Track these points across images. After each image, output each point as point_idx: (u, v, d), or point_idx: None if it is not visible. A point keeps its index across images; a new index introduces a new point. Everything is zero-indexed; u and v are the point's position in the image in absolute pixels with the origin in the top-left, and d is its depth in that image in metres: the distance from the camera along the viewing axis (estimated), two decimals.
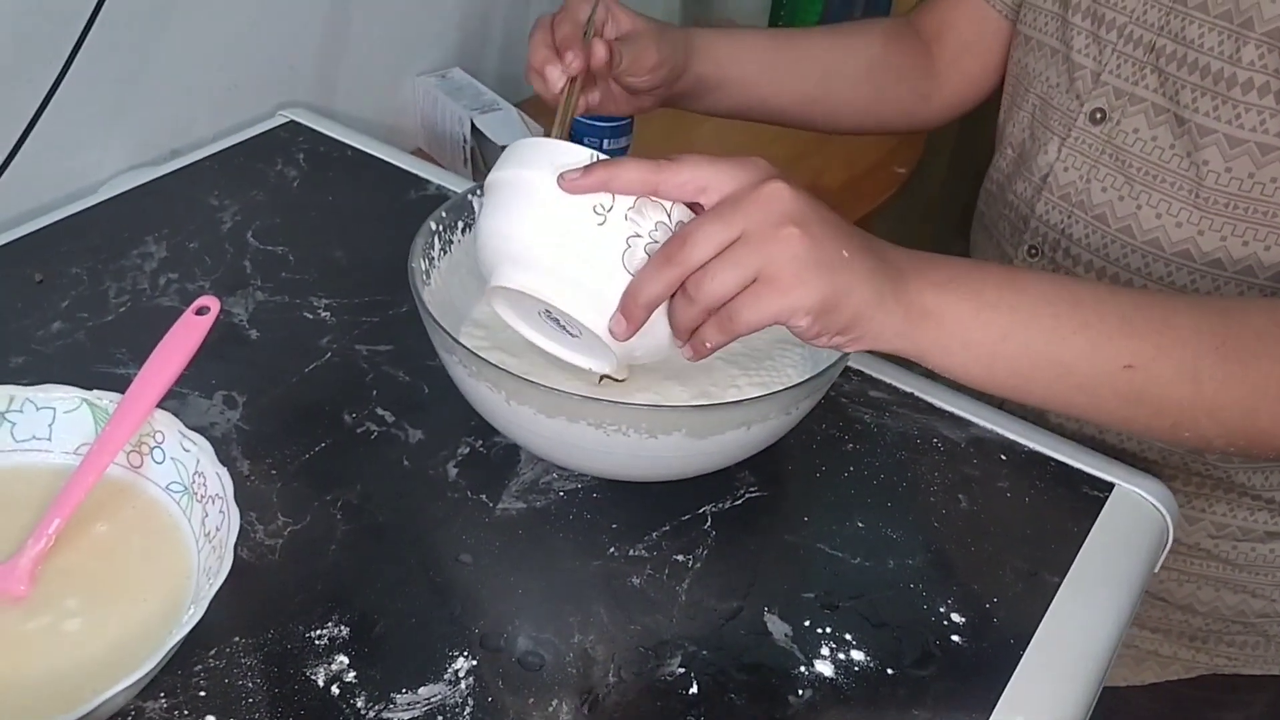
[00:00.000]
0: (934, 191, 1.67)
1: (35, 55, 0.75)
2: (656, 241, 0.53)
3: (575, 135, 1.07)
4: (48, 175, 0.82)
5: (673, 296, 0.53)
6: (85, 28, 0.63)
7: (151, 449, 0.56)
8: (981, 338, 0.56)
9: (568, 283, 0.54)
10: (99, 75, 0.81)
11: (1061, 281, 0.60)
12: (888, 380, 0.71)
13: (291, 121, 0.92)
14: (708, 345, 0.54)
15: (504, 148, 1.00)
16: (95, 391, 0.57)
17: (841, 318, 0.53)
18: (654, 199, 0.53)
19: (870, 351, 0.63)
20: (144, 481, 0.56)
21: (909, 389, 0.71)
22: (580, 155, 0.54)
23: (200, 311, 0.58)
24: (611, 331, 0.54)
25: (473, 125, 1.02)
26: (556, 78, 0.69)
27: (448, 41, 1.11)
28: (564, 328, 0.58)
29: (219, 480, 0.53)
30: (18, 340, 0.69)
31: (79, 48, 0.62)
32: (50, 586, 0.52)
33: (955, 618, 0.58)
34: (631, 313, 0.53)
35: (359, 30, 1.01)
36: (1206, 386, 0.56)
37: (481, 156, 1.04)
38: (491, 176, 0.57)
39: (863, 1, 1.47)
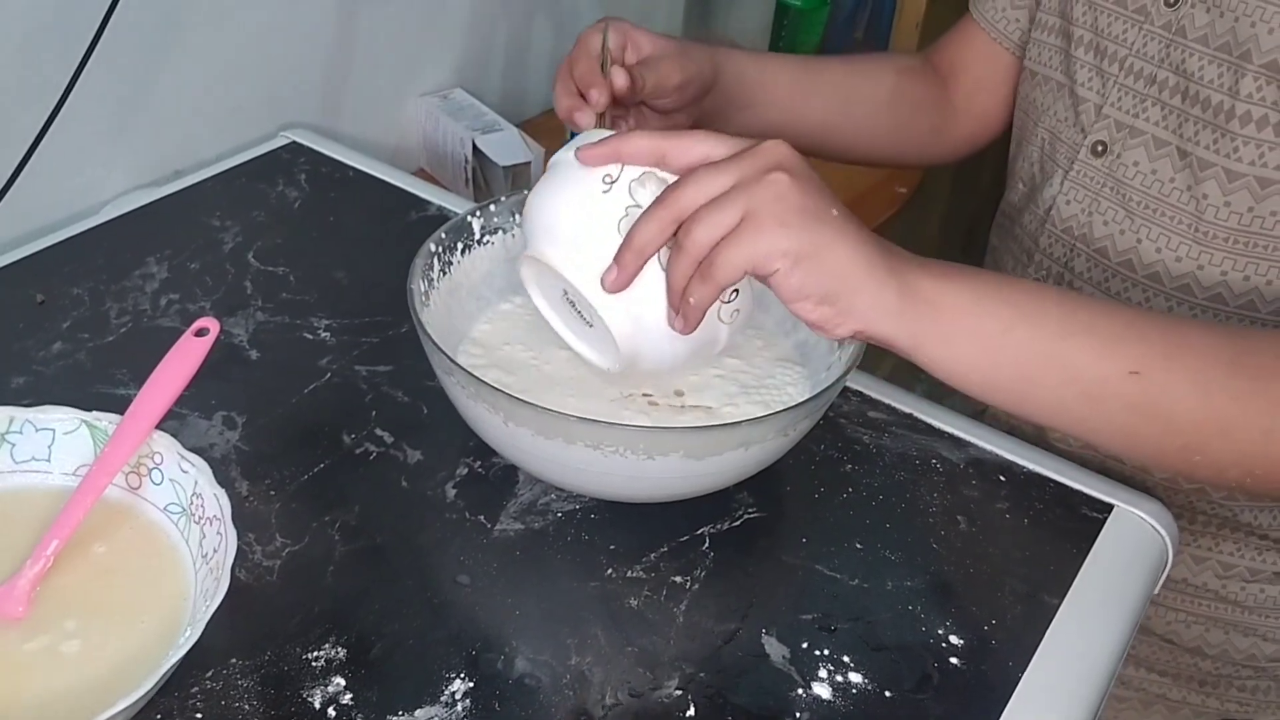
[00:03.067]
0: (940, 211, 1.67)
1: (39, 76, 0.76)
2: None
3: None
4: (50, 196, 0.83)
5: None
6: (89, 48, 0.64)
7: (150, 470, 0.56)
8: (984, 328, 0.54)
9: (572, 249, 0.56)
10: (102, 96, 0.82)
11: (1064, 289, 0.60)
12: (887, 401, 0.71)
13: (293, 142, 0.93)
14: (691, 301, 0.53)
15: (505, 168, 1.01)
16: (94, 413, 0.57)
17: (822, 276, 0.52)
18: (659, 174, 0.55)
19: (863, 368, 0.64)
20: (142, 503, 0.56)
21: (908, 409, 0.71)
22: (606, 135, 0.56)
23: (200, 333, 0.58)
24: (603, 282, 0.55)
25: (474, 146, 1.03)
26: (587, 121, 0.69)
27: (449, 62, 1.12)
28: (580, 314, 0.59)
29: (217, 502, 0.53)
30: (19, 361, 0.69)
31: (82, 68, 0.63)
32: (48, 608, 0.52)
33: (954, 640, 0.57)
34: (624, 260, 0.54)
35: (361, 51, 1.02)
36: (1218, 399, 0.54)
37: (483, 177, 1.04)
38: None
39: (864, 22, 1.47)
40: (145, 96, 0.86)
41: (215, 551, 0.52)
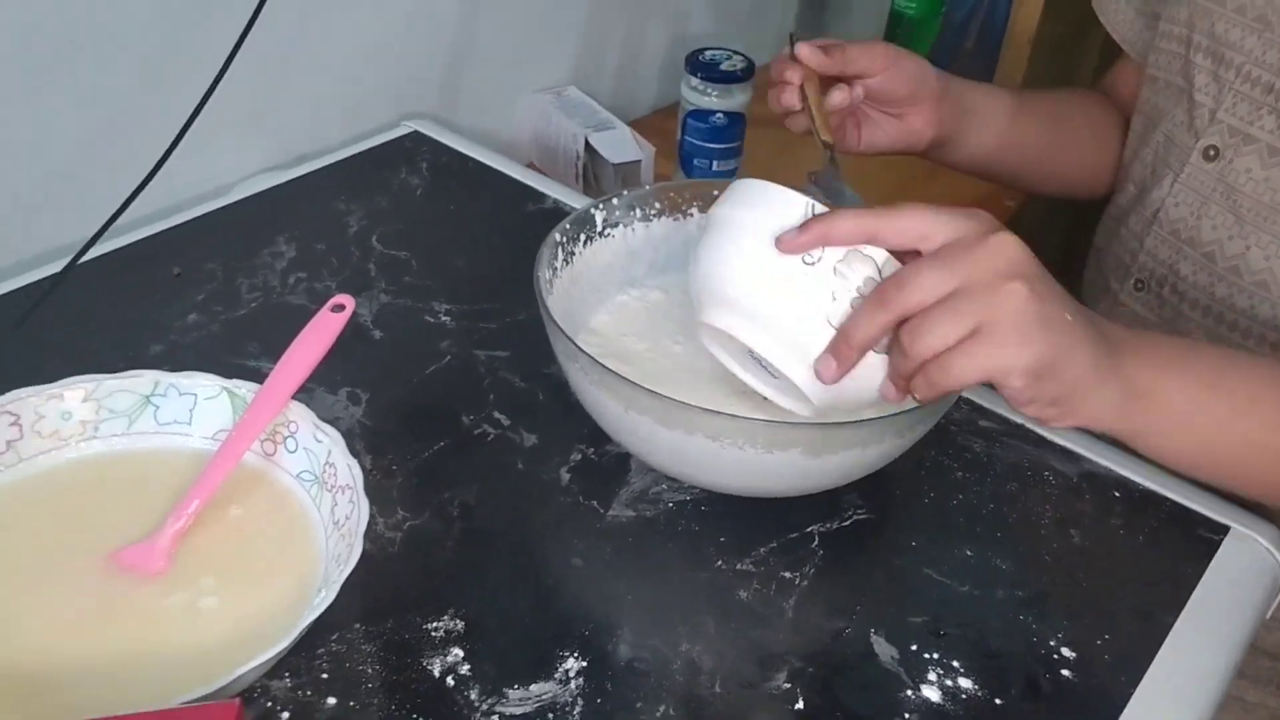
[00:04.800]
0: (1041, 223, 1.65)
1: (189, 59, 0.79)
2: (863, 296, 0.52)
3: (685, 156, 1.09)
4: (186, 175, 0.86)
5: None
6: (240, 38, 0.67)
7: (285, 438, 0.58)
8: (1201, 423, 0.55)
9: (771, 331, 0.54)
10: (239, 83, 0.85)
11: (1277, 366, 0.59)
12: (999, 410, 0.71)
13: (415, 132, 0.95)
14: (916, 397, 0.52)
15: (616, 165, 1.03)
16: (235, 380, 0.59)
17: (1056, 385, 0.51)
18: (865, 253, 0.52)
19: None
20: (276, 469, 0.58)
21: (1019, 420, 0.71)
22: (796, 204, 0.54)
23: (336, 309, 0.60)
24: (818, 372, 0.53)
25: (586, 142, 1.04)
26: (790, 98, 0.74)
27: (564, 60, 1.14)
28: (765, 367, 0.57)
29: (349, 471, 0.55)
30: (156, 329, 0.72)
31: (233, 57, 0.66)
32: (187, 565, 0.54)
33: (1065, 652, 0.57)
34: (842, 354, 0.52)
35: (482, 46, 1.04)
36: None
37: (593, 173, 1.06)
38: (714, 211, 0.58)
39: (974, 34, 1.46)
40: (278, 84, 0.89)
41: (347, 519, 0.54)
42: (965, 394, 0.72)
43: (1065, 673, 0.56)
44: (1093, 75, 1.63)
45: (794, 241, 0.52)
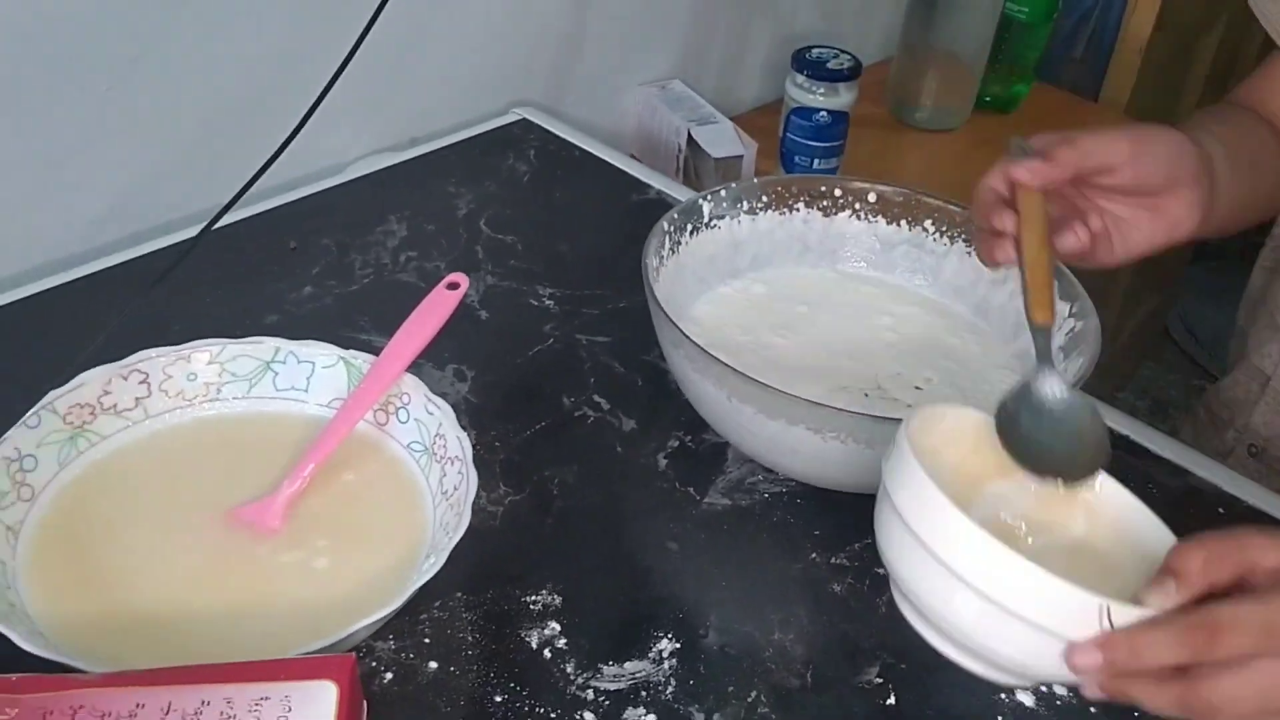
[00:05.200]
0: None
1: (313, 45, 0.82)
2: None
3: (786, 153, 1.09)
4: (303, 153, 0.88)
5: None
6: (369, 23, 0.69)
7: (397, 409, 0.60)
8: None
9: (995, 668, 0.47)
10: (359, 66, 0.87)
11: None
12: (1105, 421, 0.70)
13: (524, 119, 0.97)
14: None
15: (717, 160, 1.03)
16: (352, 351, 0.61)
17: None
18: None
19: (1086, 388, 0.63)
20: (388, 439, 0.60)
21: (1124, 431, 0.70)
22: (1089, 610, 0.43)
23: (451, 286, 0.61)
24: (1073, 666, 0.44)
25: (689, 136, 1.05)
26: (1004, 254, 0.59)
27: (670, 54, 1.15)
28: None
29: (459, 444, 0.56)
30: (273, 300, 0.75)
31: (360, 42, 0.68)
32: (302, 525, 0.56)
33: None
34: (1110, 681, 0.43)
35: (591, 38, 1.06)
36: None
37: (694, 167, 1.07)
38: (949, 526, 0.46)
39: (1084, 41, 1.44)
40: (395, 69, 0.91)
41: (455, 489, 0.55)
42: None
43: None
44: (1203, 85, 1.60)
45: (1085, 658, 0.43)
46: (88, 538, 0.55)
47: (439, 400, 0.59)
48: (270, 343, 0.62)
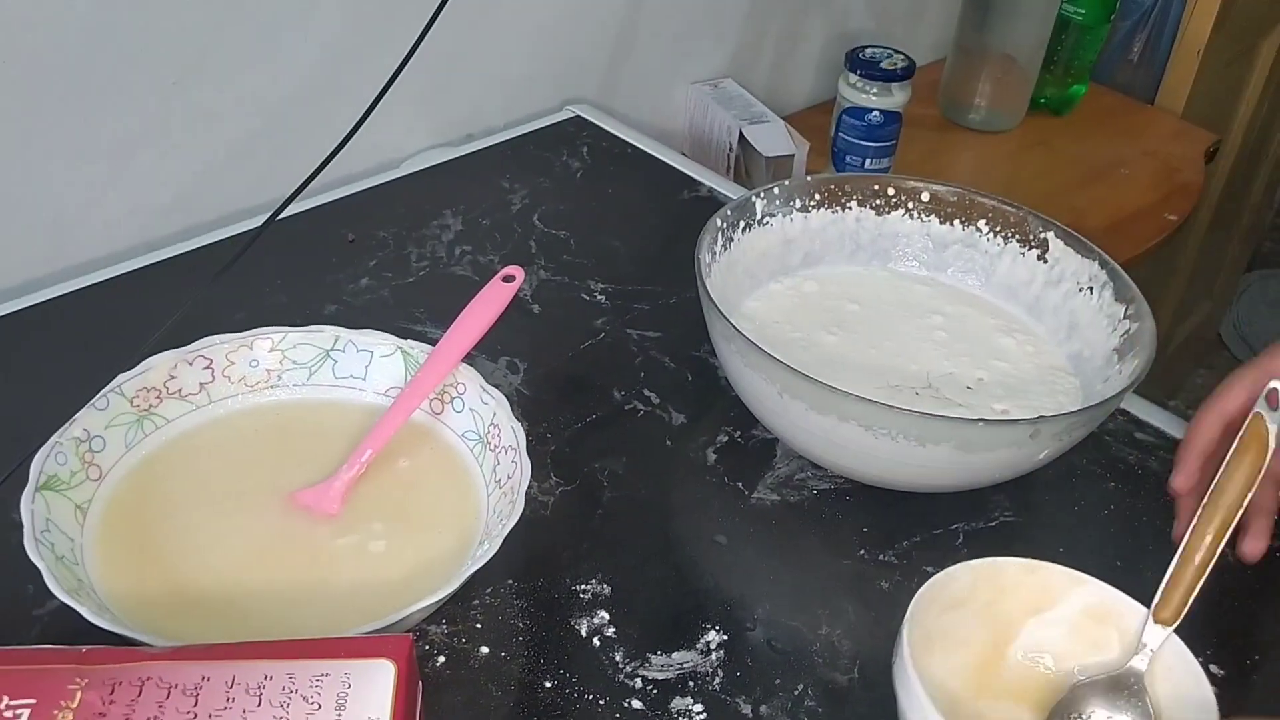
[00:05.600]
0: (1197, 243, 1.60)
1: (372, 41, 0.84)
2: None
3: (837, 152, 1.09)
4: (361, 148, 0.90)
5: None
6: (429, 22, 0.70)
7: (453, 399, 0.61)
8: None
9: None
10: (417, 63, 0.89)
11: None
12: (1155, 424, 0.70)
13: (577, 116, 0.98)
14: None
15: (769, 159, 1.04)
16: (409, 341, 0.63)
17: None
18: None
19: (1139, 393, 0.62)
20: (442, 427, 0.61)
21: (1177, 435, 0.69)
22: None
23: (506, 279, 0.62)
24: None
25: (741, 135, 1.06)
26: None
27: (722, 53, 1.15)
28: None
29: (513, 433, 0.57)
30: (330, 291, 0.76)
31: (421, 40, 0.69)
32: (359, 510, 0.58)
33: (1214, 669, 0.56)
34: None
35: (643, 36, 1.06)
36: None
37: (745, 166, 1.07)
38: None
39: (1142, 42, 1.42)
40: (451, 66, 0.93)
41: (509, 478, 0.56)
42: (1123, 404, 0.70)
43: (1214, 689, 0.55)
44: (1264, 88, 1.57)
45: None
46: (152, 517, 0.56)
47: (494, 390, 0.60)
48: (330, 331, 0.63)
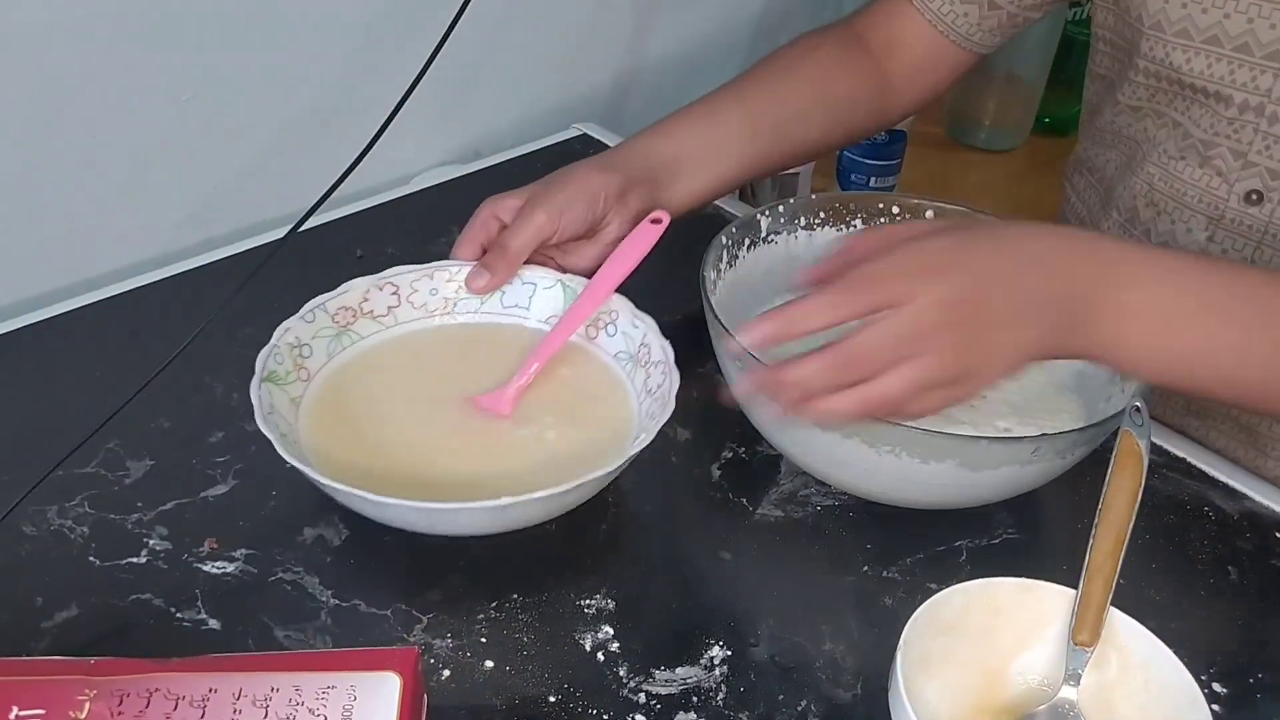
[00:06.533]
0: None
1: (384, 61, 0.85)
2: None
3: (842, 170, 1.10)
4: (371, 165, 0.91)
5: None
6: (440, 42, 0.71)
7: (606, 325, 0.69)
8: (1165, 375, 0.56)
9: None
10: (428, 82, 0.90)
11: (1242, 284, 0.56)
12: (1159, 442, 0.70)
13: (584, 135, 0.99)
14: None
15: (774, 177, 1.04)
16: (567, 274, 0.70)
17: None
18: None
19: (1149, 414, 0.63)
20: (597, 349, 0.69)
21: (1181, 454, 0.69)
22: None
23: (654, 222, 0.69)
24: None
25: None
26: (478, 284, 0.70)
27: (729, 73, 1.15)
28: None
29: (662, 350, 0.64)
30: None
31: (433, 59, 0.70)
32: (529, 411, 0.65)
33: (1217, 687, 0.56)
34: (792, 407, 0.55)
35: (652, 58, 1.07)
36: None
37: (750, 184, 1.08)
38: None
39: None
40: (461, 85, 0.94)
41: (659, 387, 0.63)
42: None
43: (1215, 708, 0.55)
44: None
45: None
46: (352, 413, 0.64)
47: (644, 315, 0.67)
48: None
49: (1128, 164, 0.78)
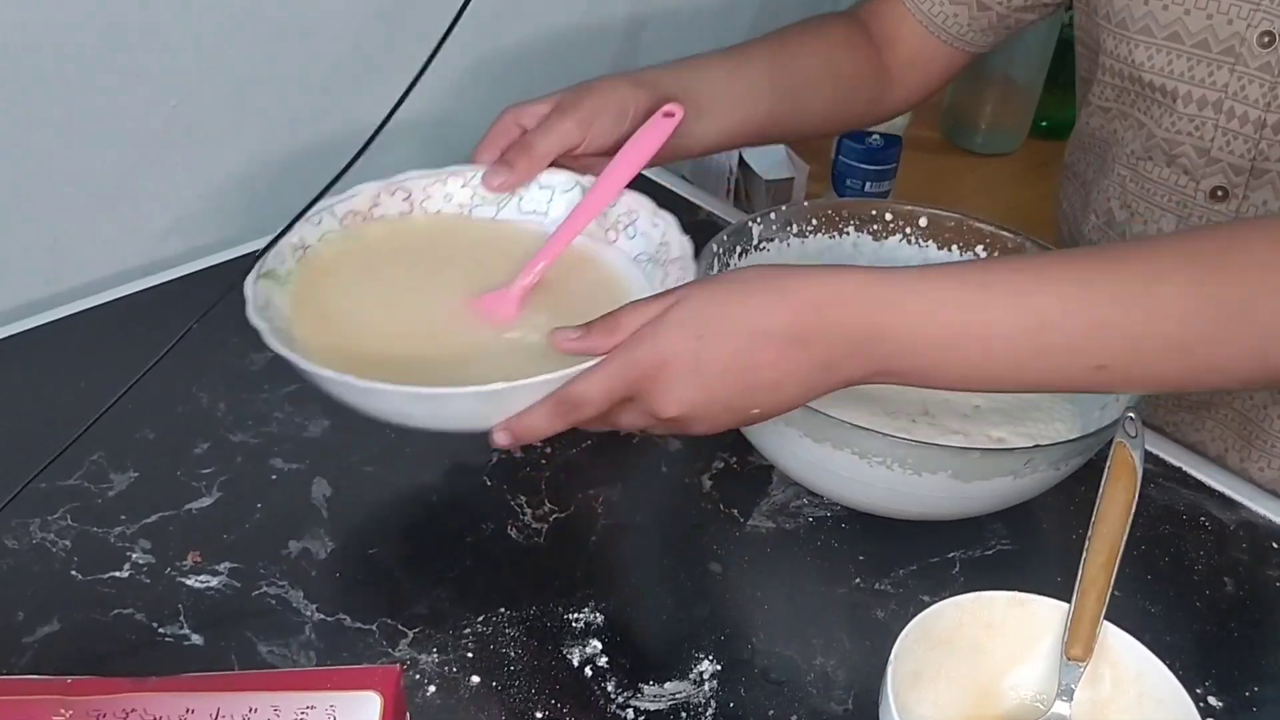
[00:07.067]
0: None
1: (373, 68, 0.84)
2: None
3: (837, 175, 1.09)
4: (359, 171, 0.90)
5: None
6: (434, 51, 0.70)
7: (625, 226, 0.65)
8: (940, 376, 0.53)
9: None
10: (417, 89, 0.89)
11: (1026, 299, 0.52)
12: (1156, 452, 0.69)
13: None
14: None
15: (768, 182, 1.04)
16: (588, 177, 0.66)
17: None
18: None
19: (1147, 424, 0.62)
20: (617, 252, 0.65)
21: (1178, 463, 0.69)
22: None
23: (667, 115, 0.66)
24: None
25: (740, 158, 1.06)
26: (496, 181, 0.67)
27: None
28: None
29: (681, 246, 0.62)
30: None
31: (426, 67, 0.69)
32: (534, 316, 0.61)
33: (1213, 700, 0.55)
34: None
35: (642, 62, 1.07)
36: (1198, 351, 0.50)
37: (745, 189, 1.07)
38: None
39: None
40: (452, 91, 0.93)
41: (678, 281, 0.59)
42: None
43: None
44: None
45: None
46: (350, 306, 0.60)
47: (664, 212, 0.64)
48: None
49: (1101, 166, 0.78)
